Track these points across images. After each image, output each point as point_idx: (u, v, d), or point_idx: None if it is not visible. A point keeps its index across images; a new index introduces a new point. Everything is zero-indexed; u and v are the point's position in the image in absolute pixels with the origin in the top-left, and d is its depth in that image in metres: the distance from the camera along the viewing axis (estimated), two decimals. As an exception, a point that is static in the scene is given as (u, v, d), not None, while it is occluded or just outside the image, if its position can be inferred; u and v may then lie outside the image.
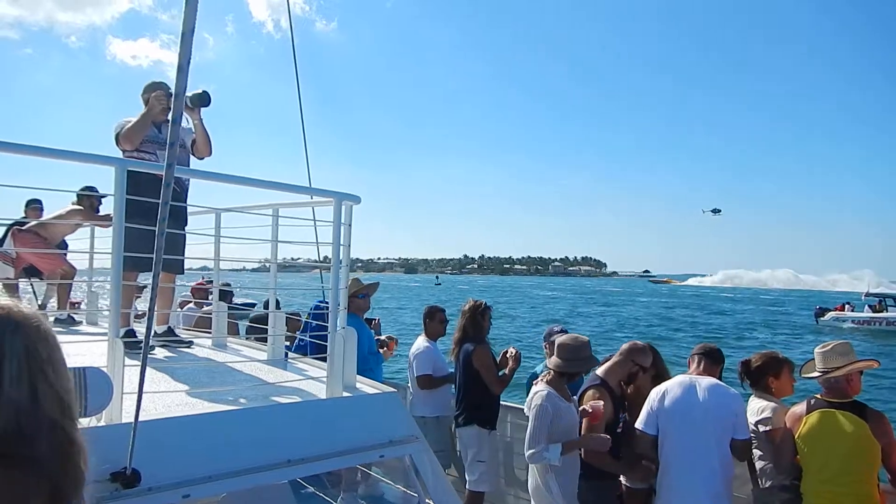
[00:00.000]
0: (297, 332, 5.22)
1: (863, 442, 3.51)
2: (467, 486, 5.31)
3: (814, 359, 3.88)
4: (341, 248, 3.36)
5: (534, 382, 4.26)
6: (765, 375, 4.18)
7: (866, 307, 39.61)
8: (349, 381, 3.36)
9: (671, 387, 4.00)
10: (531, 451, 3.78)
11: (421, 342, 5.91)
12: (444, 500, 3.20)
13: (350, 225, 3.45)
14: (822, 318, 40.11)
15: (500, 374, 5.32)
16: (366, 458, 3.21)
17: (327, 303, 3.45)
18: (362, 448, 3.01)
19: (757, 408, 4.10)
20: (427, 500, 3.20)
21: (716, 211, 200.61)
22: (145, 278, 4.74)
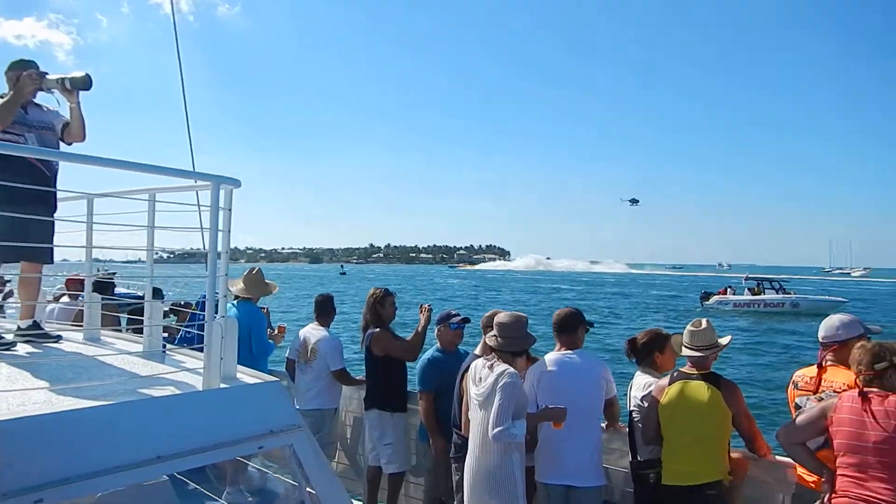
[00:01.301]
0: (184, 324, 5.03)
1: (716, 410, 3.81)
2: (383, 470, 5.39)
3: (680, 334, 4.15)
4: (220, 233, 3.22)
5: (486, 365, 4.06)
6: (651, 352, 4.41)
7: (746, 290, 42.91)
8: (229, 372, 3.24)
9: (545, 364, 4.20)
10: (499, 430, 3.70)
11: (321, 331, 5.84)
12: (327, 489, 3.15)
13: (230, 210, 3.32)
14: (706, 302, 42.98)
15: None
16: (244, 450, 3.12)
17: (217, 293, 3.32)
18: (240, 440, 2.92)
19: (643, 383, 4.32)
20: (308, 490, 3.14)
21: (634, 201, 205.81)
22: (13, 268, 4.45)
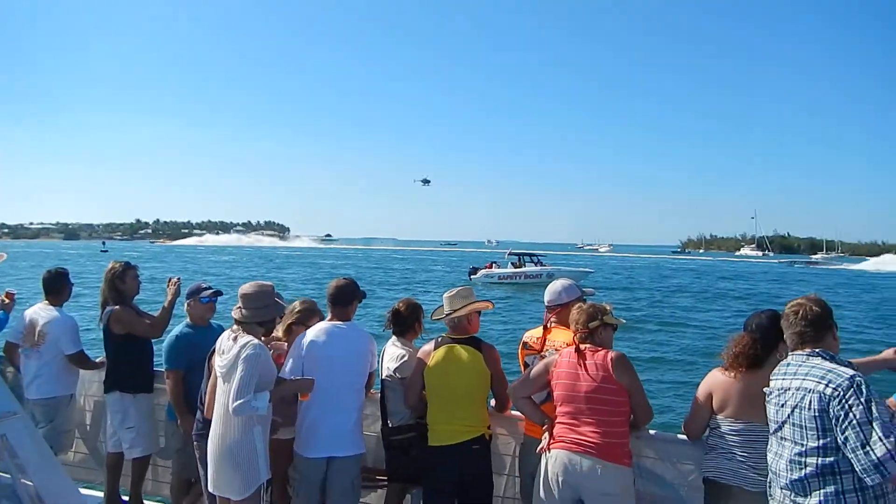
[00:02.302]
0: None
1: (477, 370, 4.04)
2: (126, 456, 5.04)
3: (442, 304, 4.32)
4: None
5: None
6: (414, 321, 4.53)
7: (509, 264, 46.74)
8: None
9: (316, 334, 4.14)
10: (239, 402, 3.56)
11: (51, 312, 5.25)
12: (48, 479, 2.89)
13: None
14: (474, 276, 45.86)
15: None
16: None
17: None
18: None
19: (396, 354, 4.40)
20: (25, 482, 2.86)
21: (426, 181, 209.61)
22: None
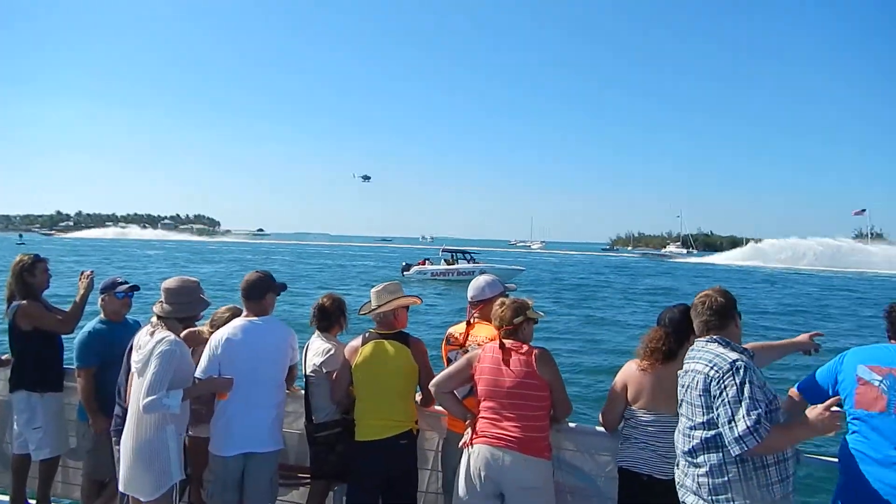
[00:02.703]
0: None
1: (405, 365, 4.05)
2: (33, 457, 4.82)
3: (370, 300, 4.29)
4: None
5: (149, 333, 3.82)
6: (338, 316, 4.50)
7: (442, 261, 47.20)
8: None
9: (231, 331, 4.02)
10: (149, 399, 3.47)
11: None
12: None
13: None
14: (407, 273, 46.03)
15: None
16: None
17: None
18: None
19: (321, 348, 4.36)
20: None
21: (366, 177, 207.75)
22: None
